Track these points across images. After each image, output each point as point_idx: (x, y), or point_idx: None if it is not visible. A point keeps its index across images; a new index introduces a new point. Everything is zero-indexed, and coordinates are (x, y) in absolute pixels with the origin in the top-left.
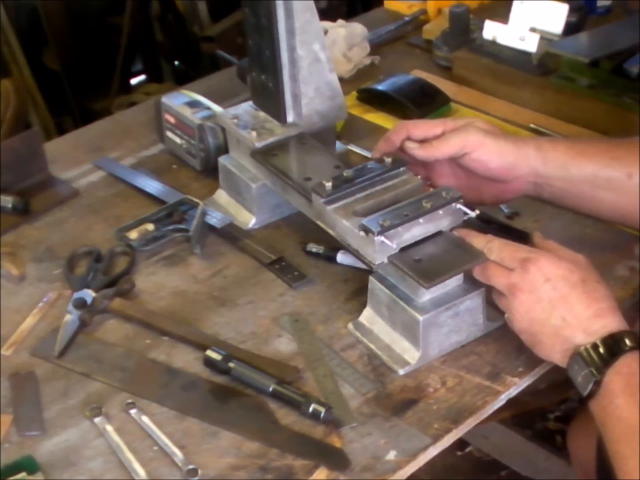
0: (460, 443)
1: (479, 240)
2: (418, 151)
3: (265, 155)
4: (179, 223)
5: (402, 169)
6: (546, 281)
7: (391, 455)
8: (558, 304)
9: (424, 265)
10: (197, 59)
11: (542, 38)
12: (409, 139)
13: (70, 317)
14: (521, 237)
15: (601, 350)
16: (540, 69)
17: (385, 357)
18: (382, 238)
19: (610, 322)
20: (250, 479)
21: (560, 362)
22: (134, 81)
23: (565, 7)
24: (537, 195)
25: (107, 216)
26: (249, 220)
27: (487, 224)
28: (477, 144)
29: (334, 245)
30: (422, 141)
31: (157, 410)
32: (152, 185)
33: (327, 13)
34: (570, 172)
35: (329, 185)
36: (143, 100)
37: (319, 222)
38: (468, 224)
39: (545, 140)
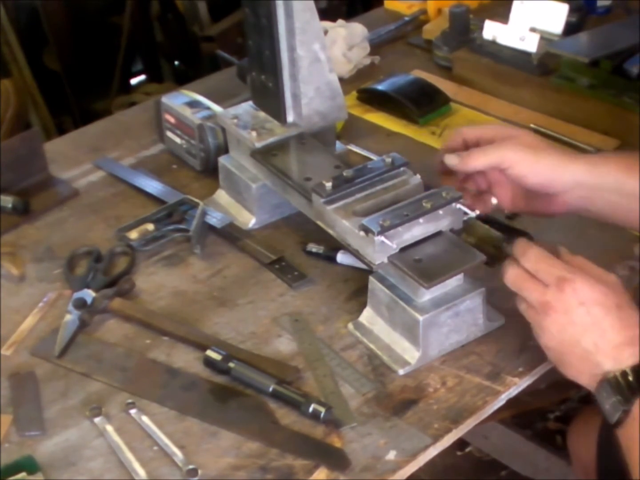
0: (460, 443)
1: (518, 240)
2: (455, 163)
3: (265, 155)
4: (179, 223)
5: (402, 169)
6: (580, 304)
7: (391, 455)
8: (591, 329)
9: (424, 265)
10: (197, 59)
11: (542, 38)
12: (464, 141)
13: (70, 317)
14: (521, 237)
15: (630, 378)
16: (540, 69)
17: (385, 357)
18: (382, 238)
19: None
20: (250, 479)
21: (587, 385)
22: (134, 81)
23: (565, 7)
24: (585, 211)
25: (107, 216)
26: (249, 220)
27: (487, 224)
28: (514, 160)
29: (334, 245)
30: (476, 143)
31: (157, 410)
32: (152, 185)
33: (327, 13)
34: (624, 185)
35: (329, 185)
36: (143, 100)
37: (319, 222)
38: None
39: (596, 155)
